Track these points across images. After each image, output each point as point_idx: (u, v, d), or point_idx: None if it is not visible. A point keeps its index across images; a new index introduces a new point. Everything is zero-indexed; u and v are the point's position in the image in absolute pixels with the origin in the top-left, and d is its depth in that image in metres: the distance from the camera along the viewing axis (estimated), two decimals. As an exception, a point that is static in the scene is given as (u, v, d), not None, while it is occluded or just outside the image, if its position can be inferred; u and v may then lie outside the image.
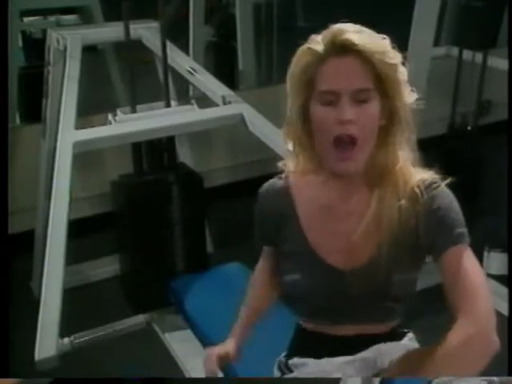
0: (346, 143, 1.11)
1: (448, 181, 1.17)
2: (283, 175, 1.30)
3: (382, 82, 1.10)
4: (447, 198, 1.15)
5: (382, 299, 1.22)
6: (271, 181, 1.32)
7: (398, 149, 1.17)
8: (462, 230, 1.13)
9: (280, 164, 1.30)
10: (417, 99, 1.15)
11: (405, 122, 1.15)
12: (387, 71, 1.10)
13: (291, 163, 1.28)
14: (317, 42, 1.12)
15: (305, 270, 1.24)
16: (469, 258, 1.11)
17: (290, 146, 1.25)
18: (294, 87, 1.16)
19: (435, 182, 1.16)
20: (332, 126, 1.10)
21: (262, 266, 1.45)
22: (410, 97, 1.14)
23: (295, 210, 1.27)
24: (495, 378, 1.11)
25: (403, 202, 1.15)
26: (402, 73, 1.13)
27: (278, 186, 1.30)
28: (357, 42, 1.08)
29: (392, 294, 1.21)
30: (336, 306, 1.24)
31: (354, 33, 1.09)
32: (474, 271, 1.10)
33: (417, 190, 1.15)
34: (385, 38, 1.12)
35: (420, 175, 1.17)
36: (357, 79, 1.09)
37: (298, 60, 1.14)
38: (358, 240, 1.19)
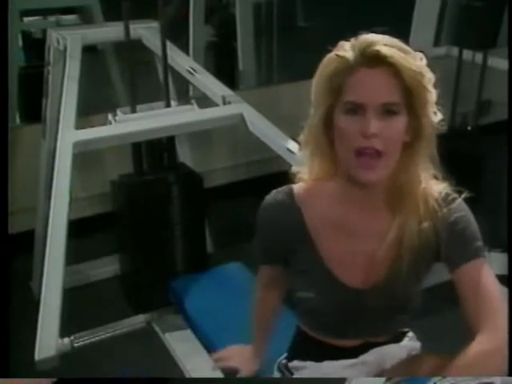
0: (369, 154, 1.08)
1: (464, 195, 1.16)
2: (284, 188, 1.25)
3: (410, 98, 1.08)
4: (464, 211, 1.15)
5: (396, 314, 1.22)
6: (274, 195, 1.26)
7: (419, 167, 1.14)
8: (480, 243, 1.13)
9: (293, 169, 1.27)
10: (441, 120, 1.13)
11: (428, 141, 1.13)
12: (417, 88, 1.07)
13: (305, 170, 1.24)
14: (346, 50, 1.09)
15: (319, 289, 1.22)
16: (487, 273, 1.11)
17: (304, 153, 1.21)
18: (320, 94, 1.13)
19: (450, 194, 1.15)
20: (355, 137, 1.08)
21: (263, 295, 1.42)
22: (435, 117, 1.12)
23: (305, 225, 1.22)
24: (498, 378, 1.11)
25: (425, 225, 1.13)
26: (431, 93, 1.11)
27: (283, 200, 1.24)
28: (389, 55, 1.05)
29: (405, 308, 1.21)
30: (348, 322, 1.23)
31: (387, 45, 1.06)
32: (492, 286, 1.10)
33: (435, 206, 1.14)
34: (422, 58, 1.10)
35: (436, 188, 1.16)
36: (385, 93, 1.07)
37: (326, 67, 1.11)
38: (376, 259, 1.17)
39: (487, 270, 1.11)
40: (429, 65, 1.12)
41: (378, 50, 1.05)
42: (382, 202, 1.17)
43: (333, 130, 1.13)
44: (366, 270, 1.19)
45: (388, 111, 1.07)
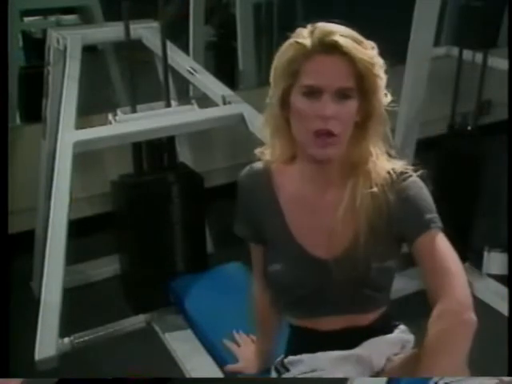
0: (324, 135, 1.16)
1: (420, 172, 1.22)
2: (261, 163, 1.34)
3: (362, 84, 1.16)
4: (417, 186, 1.21)
5: (362, 287, 1.25)
6: (252, 166, 1.35)
7: (370, 143, 1.22)
8: (433, 215, 1.17)
9: (257, 151, 1.33)
10: (390, 102, 1.21)
11: (378, 120, 1.21)
12: (369, 75, 1.16)
13: (268, 151, 1.31)
14: (304, 37, 1.16)
15: (288, 260, 1.28)
16: (441, 243, 1.14)
17: (266, 133, 1.28)
18: (278, 77, 1.20)
19: (406, 172, 1.22)
20: (313, 119, 1.15)
21: (262, 298, 1.45)
22: (385, 99, 1.20)
23: (276, 196, 1.30)
24: (505, 378, 1.11)
25: (375, 189, 1.20)
26: (382, 79, 1.19)
27: (259, 172, 1.33)
28: (344, 45, 1.13)
29: (371, 281, 1.24)
30: (318, 295, 1.27)
31: (343, 36, 1.14)
32: (446, 254, 1.13)
33: (388, 179, 1.20)
34: (373, 47, 1.18)
35: (391, 165, 1.23)
36: (341, 78, 1.14)
37: (285, 52, 1.19)
38: (336, 229, 1.23)
39: (441, 239, 1.15)
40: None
41: (335, 40, 1.13)
42: (338, 177, 1.25)
43: (289, 111, 1.20)
44: (328, 242, 1.25)
45: (342, 95, 1.15)
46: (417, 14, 2.62)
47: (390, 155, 1.25)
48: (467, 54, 3.18)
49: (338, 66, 1.14)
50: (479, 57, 3.11)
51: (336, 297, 1.26)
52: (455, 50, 3.35)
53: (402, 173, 1.22)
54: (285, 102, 1.21)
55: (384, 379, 1.22)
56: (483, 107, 3.45)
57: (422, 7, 2.60)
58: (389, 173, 1.21)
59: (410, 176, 1.21)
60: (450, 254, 1.14)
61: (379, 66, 1.18)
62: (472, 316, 1.06)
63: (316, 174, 1.25)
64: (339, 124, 1.15)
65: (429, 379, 1.13)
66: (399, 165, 1.23)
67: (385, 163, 1.23)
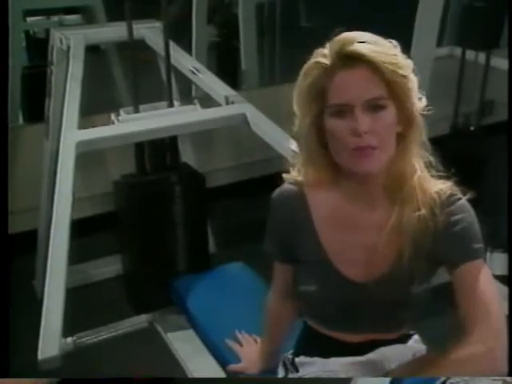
0: (364, 150, 1.09)
1: (468, 196, 1.16)
2: (293, 183, 1.27)
3: (393, 90, 1.09)
4: (468, 212, 1.15)
5: (397, 310, 1.22)
6: (285, 186, 1.28)
7: (412, 155, 1.16)
8: (480, 245, 1.12)
9: (287, 177, 1.28)
10: (426, 105, 1.14)
11: (419, 127, 1.14)
12: (397, 79, 1.08)
13: (301, 176, 1.25)
14: (323, 56, 1.11)
15: (320, 281, 1.23)
16: (484, 275, 1.10)
17: (299, 162, 1.23)
18: (303, 103, 1.15)
19: (455, 194, 1.16)
20: (348, 138, 1.09)
21: (278, 307, 1.43)
22: (420, 103, 1.13)
23: (311, 219, 1.24)
24: (507, 378, 1.10)
25: (422, 211, 1.14)
26: (412, 80, 1.11)
27: (293, 191, 1.26)
28: (365, 53, 1.06)
29: (407, 304, 1.21)
30: (349, 317, 1.24)
31: (362, 43, 1.08)
32: (488, 288, 1.09)
33: (436, 201, 1.14)
34: (395, 46, 1.11)
35: (439, 185, 1.16)
36: (368, 89, 1.08)
37: (306, 75, 1.13)
38: (378, 251, 1.18)
39: (485, 271, 1.10)
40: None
41: (354, 50, 1.07)
42: (380, 194, 1.19)
43: (324, 136, 1.14)
44: (367, 264, 1.20)
45: (374, 106, 1.08)
46: (420, 14, 2.61)
47: (431, 165, 1.19)
48: (470, 55, 3.18)
49: (362, 77, 1.08)
50: (482, 57, 3.12)
51: (367, 317, 1.23)
52: (458, 51, 3.35)
53: (451, 195, 1.15)
54: (318, 128, 1.15)
55: (387, 379, 1.21)
56: (486, 107, 3.46)
57: (424, 7, 2.60)
58: (437, 193, 1.15)
59: (460, 199, 1.15)
60: (491, 288, 1.09)
61: (406, 66, 1.10)
62: (500, 357, 1.02)
63: (358, 192, 1.19)
64: (376, 137, 1.08)
65: (434, 379, 1.12)
66: (447, 186, 1.17)
67: (431, 182, 1.17)
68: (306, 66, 1.14)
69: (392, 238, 1.16)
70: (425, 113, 1.15)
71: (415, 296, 1.20)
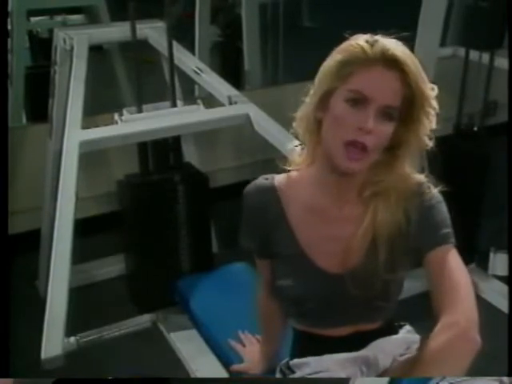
0: (356, 147, 1.11)
1: (440, 188, 1.19)
2: (265, 176, 1.30)
3: (408, 107, 1.12)
4: (435, 200, 1.18)
5: (374, 299, 1.23)
6: (258, 181, 1.31)
7: (399, 169, 1.19)
8: (447, 230, 1.15)
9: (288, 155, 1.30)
10: (430, 139, 1.18)
11: (412, 151, 1.18)
12: (419, 97, 1.12)
13: (296, 154, 1.29)
14: (366, 43, 1.11)
15: (296, 274, 1.25)
16: (453, 259, 1.13)
17: (298, 130, 1.24)
18: (325, 76, 1.15)
19: (425, 184, 1.19)
20: (350, 129, 1.11)
21: (266, 300, 1.44)
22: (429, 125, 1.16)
23: (284, 212, 1.26)
24: (504, 378, 1.10)
25: (398, 207, 1.17)
26: (435, 108, 1.15)
27: (265, 186, 1.29)
28: (404, 62, 1.09)
29: (384, 293, 1.22)
30: (330, 310, 1.25)
31: (403, 53, 1.10)
32: (457, 271, 1.11)
33: (408, 192, 1.18)
34: (433, 89, 1.15)
35: (411, 176, 1.20)
36: (392, 95, 1.10)
37: (341, 52, 1.13)
38: (353, 243, 1.20)
39: (454, 256, 1.13)
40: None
41: (396, 55, 1.09)
42: (357, 190, 1.21)
43: (324, 114, 1.16)
44: (342, 256, 1.22)
45: (386, 114, 1.11)
46: (423, 14, 2.61)
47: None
48: (473, 55, 3.17)
49: (392, 83, 1.10)
50: (486, 57, 3.11)
51: (346, 309, 1.24)
52: (461, 51, 3.34)
53: (421, 184, 1.19)
54: (323, 104, 1.16)
55: (386, 379, 1.22)
56: (490, 108, 3.45)
57: (428, 7, 2.60)
58: (410, 183, 1.19)
59: (429, 189, 1.19)
60: (460, 271, 1.12)
61: (433, 89, 1.15)
62: (477, 336, 1.04)
63: (336, 185, 1.21)
64: (375, 141, 1.11)
65: (430, 379, 1.12)
66: (419, 178, 1.21)
67: (409, 178, 1.20)
68: (345, 43, 1.14)
69: (367, 231, 1.19)
70: (428, 139, 1.18)
71: (389, 286, 1.22)
